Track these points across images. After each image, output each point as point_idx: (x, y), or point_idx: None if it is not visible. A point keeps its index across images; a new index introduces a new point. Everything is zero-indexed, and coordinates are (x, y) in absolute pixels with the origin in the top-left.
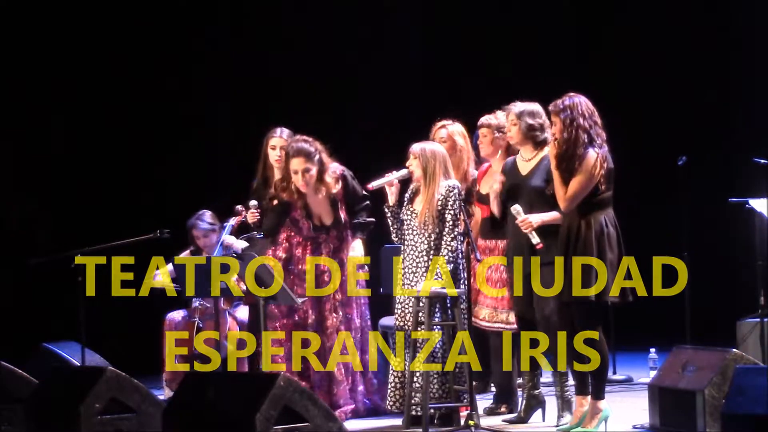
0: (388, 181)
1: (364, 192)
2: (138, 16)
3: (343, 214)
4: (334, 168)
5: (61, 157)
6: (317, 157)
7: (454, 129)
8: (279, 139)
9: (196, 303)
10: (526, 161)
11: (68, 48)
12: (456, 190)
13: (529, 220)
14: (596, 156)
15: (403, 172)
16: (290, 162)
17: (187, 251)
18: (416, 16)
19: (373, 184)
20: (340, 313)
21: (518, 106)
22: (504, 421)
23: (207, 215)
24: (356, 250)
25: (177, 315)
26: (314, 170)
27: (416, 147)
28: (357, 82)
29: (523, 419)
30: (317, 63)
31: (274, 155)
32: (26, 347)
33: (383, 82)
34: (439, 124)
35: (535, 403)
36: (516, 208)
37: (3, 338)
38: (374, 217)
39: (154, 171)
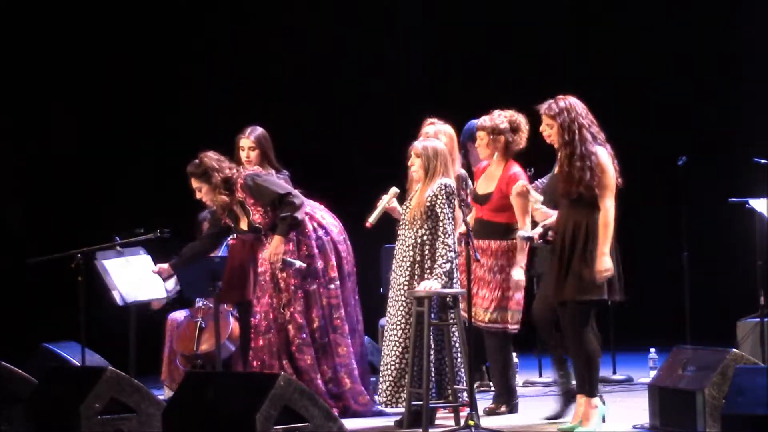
0: (384, 207)
1: (282, 190)
2: (137, 15)
3: (260, 219)
4: (238, 177)
5: (61, 156)
6: (205, 174)
7: (441, 129)
8: (246, 140)
9: (199, 303)
10: None
11: (68, 48)
12: (446, 189)
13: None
14: (605, 151)
15: (392, 191)
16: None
17: None
18: (417, 16)
19: (372, 220)
20: (285, 311)
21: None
22: (546, 418)
23: None
24: (270, 246)
25: (179, 315)
26: (205, 188)
27: (418, 145)
28: (357, 83)
29: (560, 415)
30: (318, 64)
31: (243, 156)
32: (26, 347)
33: (383, 83)
34: (428, 121)
35: (571, 398)
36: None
37: (3, 338)
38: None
39: (155, 171)
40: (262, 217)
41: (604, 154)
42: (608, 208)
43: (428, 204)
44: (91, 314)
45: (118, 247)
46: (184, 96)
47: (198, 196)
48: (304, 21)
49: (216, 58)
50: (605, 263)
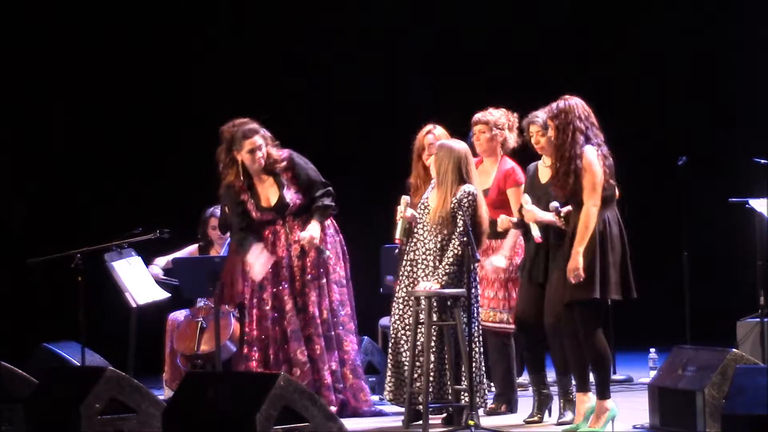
0: (404, 218)
1: (323, 179)
2: (138, 16)
3: (292, 196)
4: (280, 152)
5: (61, 156)
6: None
7: (439, 133)
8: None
9: (200, 303)
10: (547, 167)
11: (68, 47)
12: (471, 197)
13: (533, 213)
14: (595, 151)
15: (404, 201)
16: (244, 144)
17: (194, 246)
18: (417, 17)
19: (399, 236)
20: (298, 300)
21: (539, 117)
22: (525, 421)
23: None
24: (309, 230)
25: (180, 315)
26: (264, 147)
27: (439, 144)
28: (357, 84)
29: (542, 419)
30: (318, 65)
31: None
32: (26, 347)
33: (384, 84)
34: (425, 130)
35: (546, 400)
36: (525, 198)
37: (3, 338)
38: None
39: (155, 170)
40: (296, 195)
41: (590, 153)
42: (589, 207)
43: (452, 210)
44: (91, 314)
45: (115, 248)
46: (185, 96)
47: (257, 155)
48: (304, 21)
49: (217, 59)
50: (574, 261)
